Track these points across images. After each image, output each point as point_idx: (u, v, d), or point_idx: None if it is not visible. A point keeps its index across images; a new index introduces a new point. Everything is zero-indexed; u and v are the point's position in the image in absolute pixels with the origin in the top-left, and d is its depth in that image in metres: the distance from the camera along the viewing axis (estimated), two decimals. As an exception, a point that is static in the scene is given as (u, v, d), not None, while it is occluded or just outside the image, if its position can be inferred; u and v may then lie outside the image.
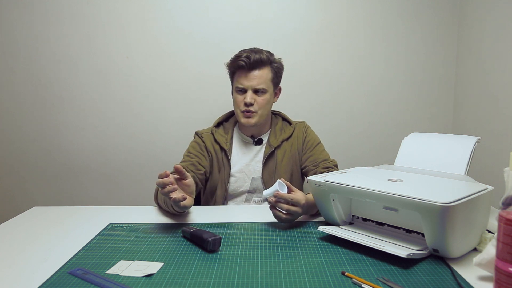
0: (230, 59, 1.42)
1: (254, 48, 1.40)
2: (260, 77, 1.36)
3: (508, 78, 1.59)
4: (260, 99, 1.38)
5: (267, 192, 1.09)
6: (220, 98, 2.00)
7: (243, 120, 1.39)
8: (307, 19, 1.96)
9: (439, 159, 1.14)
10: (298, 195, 1.06)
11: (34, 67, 1.98)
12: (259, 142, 1.46)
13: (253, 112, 1.38)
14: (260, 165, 1.43)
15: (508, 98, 1.59)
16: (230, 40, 1.95)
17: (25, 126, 2.03)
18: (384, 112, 2.05)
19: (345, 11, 1.96)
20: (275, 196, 1.05)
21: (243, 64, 1.34)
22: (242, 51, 1.39)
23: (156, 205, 1.29)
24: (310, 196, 1.13)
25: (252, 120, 1.39)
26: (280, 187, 1.08)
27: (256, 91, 1.37)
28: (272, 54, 1.40)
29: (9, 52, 1.97)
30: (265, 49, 1.43)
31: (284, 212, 1.06)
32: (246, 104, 1.37)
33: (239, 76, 1.38)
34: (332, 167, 1.38)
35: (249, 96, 1.36)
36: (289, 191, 1.08)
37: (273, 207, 1.06)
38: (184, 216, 1.20)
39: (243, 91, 1.38)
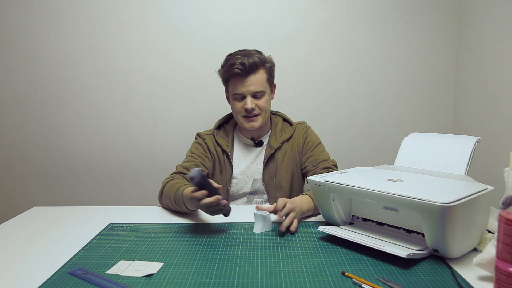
0: (221, 65, 1.41)
1: (243, 51, 1.38)
2: (256, 81, 1.35)
3: (508, 78, 1.59)
4: (260, 101, 1.37)
5: (258, 227, 1.06)
6: (220, 98, 2.00)
7: (247, 125, 1.38)
8: (307, 19, 1.96)
9: (439, 159, 1.14)
10: (280, 201, 1.09)
11: (34, 67, 1.98)
12: (259, 144, 1.46)
13: (256, 115, 1.37)
14: (261, 166, 1.43)
15: (508, 98, 1.59)
16: (230, 40, 1.95)
17: (25, 126, 2.03)
18: (384, 112, 2.05)
19: (345, 11, 1.96)
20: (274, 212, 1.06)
21: (238, 72, 1.33)
22: (233, 56, 1.36)
23: (160, 205, 1.29)
24: (299, 197, 1.17)
25: (256, 124, 1.38)
26: (259, 218, 1.06)
27: (254, 95, 1.36)
28: (261, 53, 1.39)
29: (9, 52, 1.97)
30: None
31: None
32: (248, 110, 1.36)
33: (235, 84, 1.36)
34: (331, 167, 1.37)
35: (249, 102, 1.35)
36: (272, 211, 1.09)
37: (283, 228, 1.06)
38: (186, 215, 1.20)
39: (242, 97, 1.37)
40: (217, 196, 1.01)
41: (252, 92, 1.35)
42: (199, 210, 1.26)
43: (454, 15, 1.96)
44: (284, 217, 1.06)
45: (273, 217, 1.12)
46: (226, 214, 1.07)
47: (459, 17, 1.96)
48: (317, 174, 1.28)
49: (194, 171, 0.99)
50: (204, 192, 0.99)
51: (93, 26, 1.95)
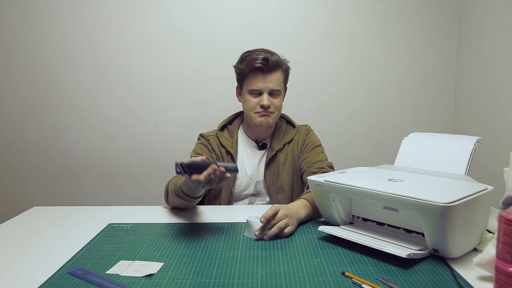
0: (239, 61, 1.39)
1: (263, 49, 1.38)
2: (276, 79, 1.35)
3: (508, 78, 1.59)
4: (276, 100, 1.37)
5: (249, 233, 1.02)
6: (220, 98, 2.00)
7: (259, 120, 1.37)
8: (307, 19, 1.96)
9: (439, 159, 1.14)
10: (273, 207, 1.03)
11: (34, 67, 1.98)
12: (263, 147, 1.45)
13: (270, 112, 1.37)
14: (263, 168, 1.42)
15: (508, 98, 1.59)
16: (230, 40, 1.95)
17: (25, 126, 2.03)
18: (384, 112, 2.05)
19: (345, 11, 1.96)
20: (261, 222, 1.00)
21: (261, 66, 1.32)
22: (254, 52, 1.36)
23: (168, 206, 1.28)
24: (295, 203, 1.13)
25: (269, 120, 1.37)
26: (252, 223, 1.02)
27: (271, 93, 1.36)
28: (279, 55, 1.40)
29: (9, 52, 1.97)
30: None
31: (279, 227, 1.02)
32: (263, 107, 1.35)
33: (254, 79, 1.35)
34: (326, 167, 1.35)
35: (266, 99, 1.34)
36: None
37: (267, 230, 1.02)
38: (186, 215, 1.20)
39: (259, 93, 1.36)
40: (213, 166, 0.96)
41: (270, 89, 1.35)
42: (198, 209, 1.26)
43: (454, 15, 1.97)
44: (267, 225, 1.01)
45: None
46: (234, 171, 1.00)
47: (459, 17, 1.96)
48: (312, 173, 1.27)
49: (176, 165, 0.96)
50: (199, 176, 0.96)
51: (93, 26, 1.95)
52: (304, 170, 1.39)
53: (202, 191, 1.16)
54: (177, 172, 0.97)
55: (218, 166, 0.96)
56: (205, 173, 0.95)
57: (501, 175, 0.78)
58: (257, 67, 1.33)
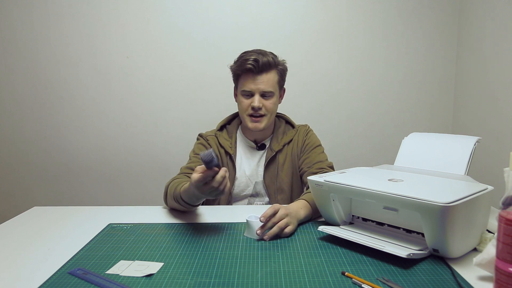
0: (234, 61, 1.39)
1: (258, 50, 1.37)
2: (267, 80, 1.34)
3: (508, 78, 1.59)
4: (268, 102, 1.36)
5: (249, 233, 1.01)
6: (220, 98, 2.00)
7: (251, 125, 1.37)
8: (307, 19, 1.97)
9: (439, 159, 1.14)
10: (273, 206, 1.03)
11: (34, 67, 1.98)
12: (262, 147, 1.45)
13: (261, 116, 1.36)
14: (262, 169, 1.42)
15: (508, 98, 1.59)
16: (230, 40, 1.95)
17: (25, 126, 2.03)
18: (384, 112, 2.05)
19: (345, 11, 1.96)
20: (262, 221, 0.99)
21: (251, 67, 1.31)
22: (247, 53, 1.36)
23: (166, 206, 1.28)
24: (295, 203, 1.13)
25: (261, 125, 1.37)
26: (251, 223, 1.01)
27: (263, 95, 1.35)
28: (276, 56, 1.39)
29: (9, 52, 1.97)
30: (265, 49, 1.42)
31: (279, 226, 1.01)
32: (254, 108, 1.35)
33: (246, 80, 1.35)
34: (326, 168, 1.35)
35: (257, 100, 1.34)
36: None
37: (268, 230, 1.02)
38: (186, 215, 1.20)
39: (250, 94, 1.36)
40: (225, 168, 0.99)
41: (261, 91, 1.34)
42: (198, 210, 1.26)
43: (454, 15, 1.97)
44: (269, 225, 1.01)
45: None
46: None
47: (459, 17, 1.96)
48: (311, 174, 1.26)
49: (208, 154, 0.93)
50: (216, 170, 0.96)
51: (93, 26, 1.95)
52: (304, 170, 1.39)
53: (201, 201, 1.15)
54: (204, 160, 0.93)
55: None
56: (223, 170, 0.97)
57: (501, 175, 0.78)
58: (247, 68, 1.32)
